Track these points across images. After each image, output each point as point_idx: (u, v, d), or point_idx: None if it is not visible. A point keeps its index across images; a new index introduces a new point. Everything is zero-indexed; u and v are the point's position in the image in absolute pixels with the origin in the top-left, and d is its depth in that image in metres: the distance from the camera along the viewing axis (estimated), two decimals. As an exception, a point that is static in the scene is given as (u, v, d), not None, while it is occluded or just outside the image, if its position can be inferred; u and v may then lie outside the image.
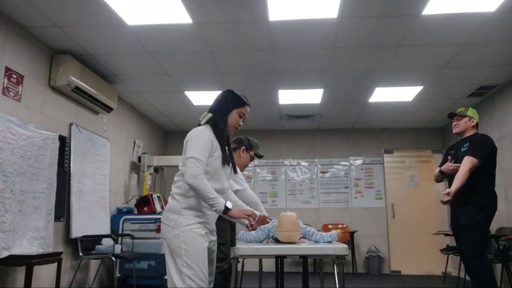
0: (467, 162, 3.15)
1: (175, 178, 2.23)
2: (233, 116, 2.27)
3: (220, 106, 2.28)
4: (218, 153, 2.18)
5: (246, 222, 2.20)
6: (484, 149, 3.21)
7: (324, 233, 2.29)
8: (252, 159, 3.40)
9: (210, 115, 2.27)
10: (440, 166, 3.49)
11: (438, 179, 3.56)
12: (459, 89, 5.36)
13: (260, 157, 3.50)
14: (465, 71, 4.73)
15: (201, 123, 2.27)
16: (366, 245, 7.17)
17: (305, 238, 2.28)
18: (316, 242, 2.23)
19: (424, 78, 4.97)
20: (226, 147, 2.26)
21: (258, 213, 2.31)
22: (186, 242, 2.05)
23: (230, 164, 2.28)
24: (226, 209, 2.06)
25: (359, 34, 3.85)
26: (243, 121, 2.32)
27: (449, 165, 3.33)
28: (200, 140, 2.14)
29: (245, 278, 4.78)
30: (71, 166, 4.43)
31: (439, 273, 6.87)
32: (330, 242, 2.27)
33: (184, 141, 2.19)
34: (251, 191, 3.15)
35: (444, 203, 3.14)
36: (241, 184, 3.04)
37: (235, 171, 2.39)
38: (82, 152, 4.68)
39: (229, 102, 2.28)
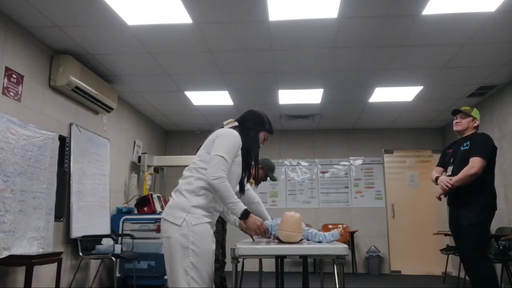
0: (476, 165, 3.11)
1: (185, 173, 2.15)
2: (260, 136, 2.35)
3: (257, 122, 2.34)
4: (239, 159, 2.17)
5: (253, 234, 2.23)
6: (488, 148, 3.21)
7: (326, 233, 2.29)
8: (265, 179, 3.65)
9: (236, 123, 2.28)
10: (438, 165, 3.52)
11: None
12: (459, 89, 5.36)
13: (274, 180, 3.72)
14: (465, 71, 4.73)
15: (226, 127, 2.25)
16: (366, 245, 7.17)
17: (308, 240, 2.27)
18: (320, 242, 2.23)
19: (424, 78, 4.97)
20: (250, 159, 2.26)
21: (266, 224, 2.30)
22: (194, 243, 1.97)
23: (246, 174, 2.27)
24: (243, 216, 2.06)
25: (359, 34, 3.85)
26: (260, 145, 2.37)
27: (445, 182, 3.22)
28: (231, 142, 2.12)
29: (245, 278, 4.78)
30: (71, 166, 4.43)
31: (439, 273, 6.86)
32: (333, 241, 2.26)
33: (210, 138, 2.17)
34: (253, 192, 3.14)
35: (440, 194, 3.22)
36: None
37: (248, 181, 2.41)
38: (82, 152, 4.68)
39: (265, 122, 2.36)
